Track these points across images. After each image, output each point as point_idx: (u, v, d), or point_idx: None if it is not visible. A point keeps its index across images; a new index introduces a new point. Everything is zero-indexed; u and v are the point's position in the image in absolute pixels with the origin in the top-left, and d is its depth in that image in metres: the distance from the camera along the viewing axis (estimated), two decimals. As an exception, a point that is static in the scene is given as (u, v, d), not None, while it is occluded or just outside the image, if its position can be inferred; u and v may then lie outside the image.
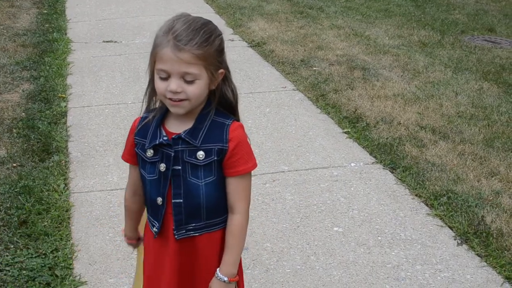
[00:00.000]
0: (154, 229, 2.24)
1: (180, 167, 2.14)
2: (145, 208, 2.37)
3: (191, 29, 2.03)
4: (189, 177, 2.15)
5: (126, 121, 5.39)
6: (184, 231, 2.20)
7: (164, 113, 2.19)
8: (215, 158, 2.13)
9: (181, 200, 2.17)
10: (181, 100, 2.06)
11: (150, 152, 2.17)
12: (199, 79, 2.05)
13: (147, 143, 2.17)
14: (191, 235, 2.20)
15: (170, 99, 2.06)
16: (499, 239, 3.87)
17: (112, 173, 4.60)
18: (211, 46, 2.05)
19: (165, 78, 2.05)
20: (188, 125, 2.15)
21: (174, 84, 2.03)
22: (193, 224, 2.19)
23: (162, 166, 2.15)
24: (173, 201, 2.17)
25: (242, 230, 2.22)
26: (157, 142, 2.14)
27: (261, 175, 4.55)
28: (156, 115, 2.19)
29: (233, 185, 2.19)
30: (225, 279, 2.21)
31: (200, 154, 2.12)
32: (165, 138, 2.14)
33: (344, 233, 3.94)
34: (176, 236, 2.20)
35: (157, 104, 2.22)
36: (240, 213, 2.20)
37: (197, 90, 2.06)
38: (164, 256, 2.26)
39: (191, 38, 2.01)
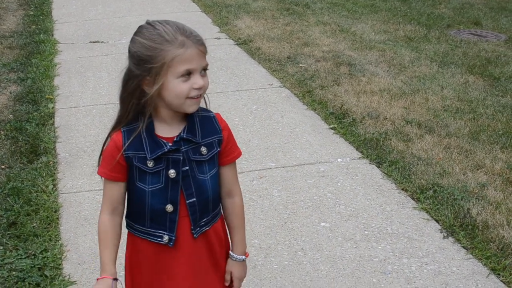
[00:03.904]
0: (165, 238, 2.21)
1: (187, 167, 2.18)
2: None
3: (189, 26, 2.10)
4: (197, 175, 2.20)
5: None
6: (198, 228, 2.24)
7: (151, 122, 2.18)
8: (218, 149, 2.22)
9: (195, 199, 2.21)
10: (200, 95, 2.12)
11: (151, 163, 2.16)
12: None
13: (148, 154, 2.15)
14: (204, 230, 2.26)
15: (192, 97, 2.09)
16: (485, 231, 3.91)
17: (100, 173, 4.60)
18: None
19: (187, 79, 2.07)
20: (178, 126, 2.17)
21: (201, 79, 2.08)
22: (205, 219, 2.26)
23: (172, 172, 2.16)
24: (187, 201, 2.20)
25: (243, 209, 2.37)
26: (166, 150, 2.14)
27: (248, 172, 4.58)
28: (142, 125, 2.16)
29: (229, 171, 2.30)
30: (243, 257, 2.36)
31: (203, 149, 2.19)
32: (170, 144, 2.15)
33: (331, 228, 3.98)
34: (194, 236, 2.23)
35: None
36: (238, 194, 2.35)
37: (208, 80, 2.14)
38: (170, 265, 2.25)
39: (197, 33, 2.09)
